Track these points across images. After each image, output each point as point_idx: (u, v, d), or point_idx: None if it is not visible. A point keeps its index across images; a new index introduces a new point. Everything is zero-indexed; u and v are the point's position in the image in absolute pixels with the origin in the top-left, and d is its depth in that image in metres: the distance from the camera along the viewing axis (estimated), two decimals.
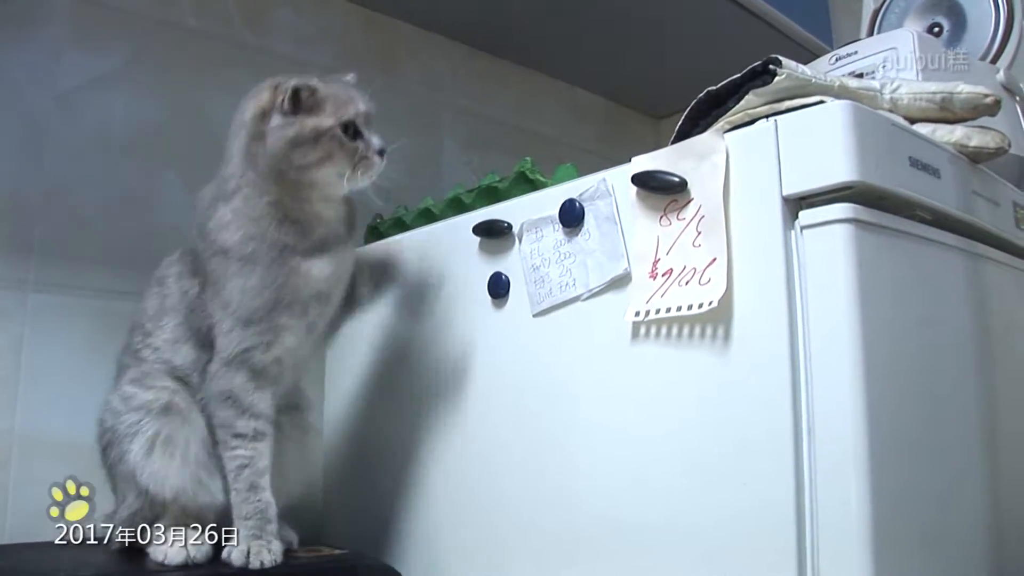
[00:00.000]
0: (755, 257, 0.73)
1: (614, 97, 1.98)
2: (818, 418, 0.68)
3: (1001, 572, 0.82)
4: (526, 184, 1.02)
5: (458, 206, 1.11)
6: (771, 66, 0.81)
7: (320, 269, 0.91)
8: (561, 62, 1.81)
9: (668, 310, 0.78)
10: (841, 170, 0.69)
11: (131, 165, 1.24)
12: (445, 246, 1.03)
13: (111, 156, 1.22)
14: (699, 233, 0.77)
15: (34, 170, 1.15)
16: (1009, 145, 0.87)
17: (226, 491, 0.90)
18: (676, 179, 0.78)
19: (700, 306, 0.75)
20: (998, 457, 0.85)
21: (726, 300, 0.74)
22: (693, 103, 0.89)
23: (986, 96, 0.86)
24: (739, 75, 0.84)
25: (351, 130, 0.89)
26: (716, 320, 0.75)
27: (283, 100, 0.87)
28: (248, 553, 0.85)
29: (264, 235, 0.88)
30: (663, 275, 0.80)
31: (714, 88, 0.87)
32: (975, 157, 0.86)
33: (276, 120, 0.88)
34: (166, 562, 0.86)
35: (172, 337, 0.93)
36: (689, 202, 0.78)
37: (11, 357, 1.10)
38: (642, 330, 0.80)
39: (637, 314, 0.80)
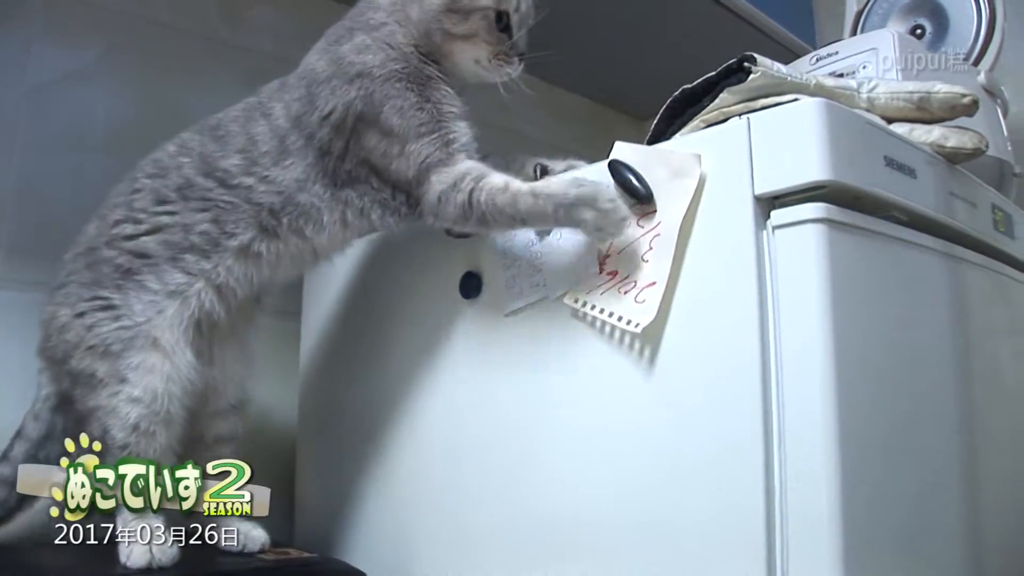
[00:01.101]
0: (726, 257, 0.72)
1: (597, 98, 1.97)
2: (789, 422, 0.67)
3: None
4: None
5: None
6: (746, 64, 0.81)
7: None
8: (543, 62, 1.80)
9: (601, 311, 0.78)
10: (814, 169, 0.68)
11: (104, 162, 1.22)
12: (418, 245, 1.01)
13: (84, 153, 1.21)
14: (651, 248, 0.76)
15: (4, 167, 1.14)
16: (987, 146, 0.87)
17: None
18: (642, 191, 0.77)
19: (628, 323, 0.75)
20: (976, 460, 0.84)
21: (654, 328, 0.74)
22: (668, 101, 0.88)
23: (964, 96, 0.85)
24: (714, 73, 0.84)
25: (504, 20, 0.88)
26: (686, 320, 0.74)
27: None
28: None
29: (409, 59, 0.87)
30: (608, 274, 0.79)
31: (689, 86, 0.86)
32: (952, 158, 0.85)
33: None
34: (128, 563, 0.83)
35: (300, 176, 0.89)
36: (652, 212, 0.77)
37: None
38: (608, 330, 0.79)
39: (576, 301, 0.80)
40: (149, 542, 0.84)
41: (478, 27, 0.87)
